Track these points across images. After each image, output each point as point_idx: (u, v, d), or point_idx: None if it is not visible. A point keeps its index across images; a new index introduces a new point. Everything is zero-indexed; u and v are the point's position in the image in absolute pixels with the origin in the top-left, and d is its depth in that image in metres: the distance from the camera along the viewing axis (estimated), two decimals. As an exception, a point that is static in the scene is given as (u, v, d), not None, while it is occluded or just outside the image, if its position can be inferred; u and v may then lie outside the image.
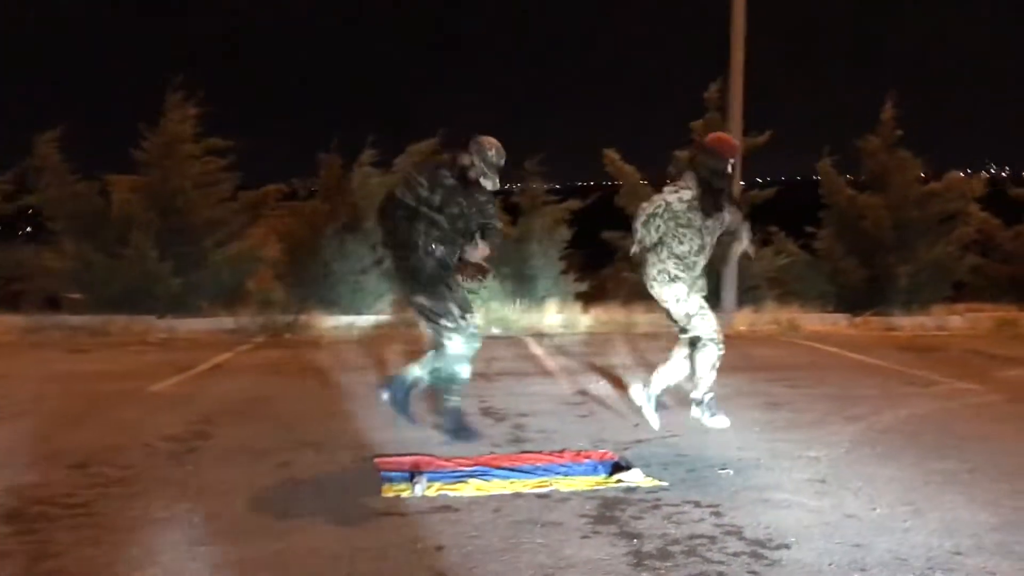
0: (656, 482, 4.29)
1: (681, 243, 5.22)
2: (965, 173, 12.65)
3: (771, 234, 12.92)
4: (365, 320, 11.23)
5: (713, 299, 11.88)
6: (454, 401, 5.28)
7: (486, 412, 6.05)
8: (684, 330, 5.33)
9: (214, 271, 11.93)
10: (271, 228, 12.47)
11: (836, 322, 11.58)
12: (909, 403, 6.35)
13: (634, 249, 5.40)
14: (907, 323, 11.49)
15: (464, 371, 5.25)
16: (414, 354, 8.95)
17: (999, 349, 9.43)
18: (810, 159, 12.99)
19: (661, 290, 5.28)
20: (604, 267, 13.68)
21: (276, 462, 4.69)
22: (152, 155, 11.80)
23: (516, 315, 11.46)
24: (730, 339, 10.63)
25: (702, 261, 5.29)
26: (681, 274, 5.22)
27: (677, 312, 5.29)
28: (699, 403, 5.37)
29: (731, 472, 4.49)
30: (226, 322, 11.19)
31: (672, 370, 5.44)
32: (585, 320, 11.51)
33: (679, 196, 5.23)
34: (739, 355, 9.13)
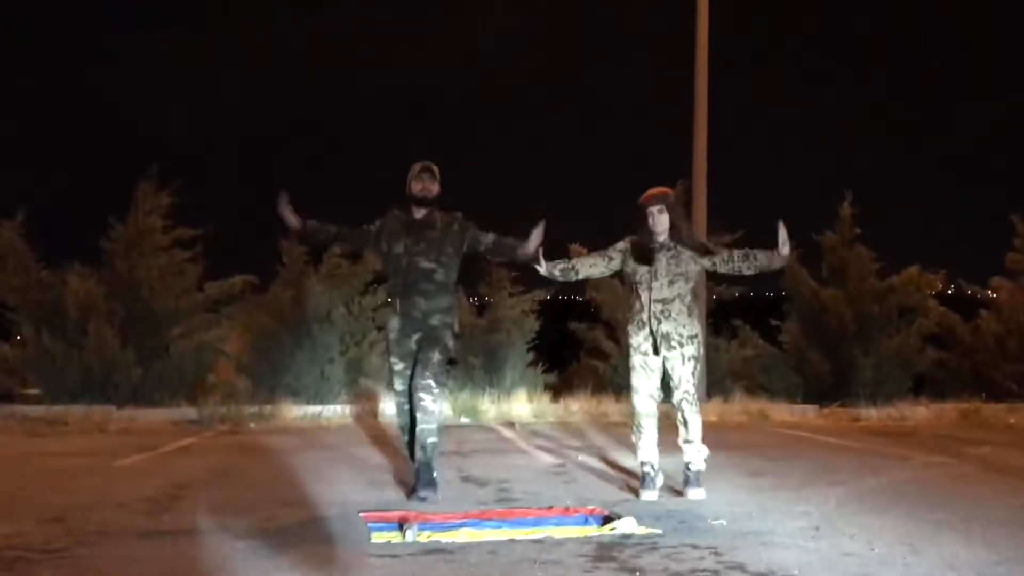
0: (650, 530, 4.22)
1: (629, 309, 5.32)
2: (920, 270, 12.94)
3: (736, 328, 13.10)
4: (332, 410, 11.05)
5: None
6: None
7: (466, 479, 5.94)
8: None
9: (177, 361, 11.72)
10: (236, 319, 12.35)
11: (804, 413, 11.64)
12: (888, 472, 6.36)
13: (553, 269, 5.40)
14: (873, 414, 11.57)
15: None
16: (384, 440, 8.89)
17: (967, 434, 9.51)
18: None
19: None
20: (570, 361, 13.71)
21: (258, 516, 4.55)
22: (119, 245, 11.73)
23: (485, 405, 11.37)
24: (703, 427, 10.65)
25: (644, 317, 5.17)
26: (629, 340, 5.28)
27: None
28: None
29: (724, 522, 4.44)
30: (188, 412, 10.93)
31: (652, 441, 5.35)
32: (555, 409, 11.44)
33: (614, 247, 5.38)
34: (712, 439, 9.02)
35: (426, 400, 5.07)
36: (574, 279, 5.52)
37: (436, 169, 5.31)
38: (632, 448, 5.51)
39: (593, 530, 4.25)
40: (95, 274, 11.73)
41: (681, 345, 5.17)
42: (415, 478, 5.12)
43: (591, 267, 5.45)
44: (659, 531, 4.20)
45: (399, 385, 5.30)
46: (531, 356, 12.48)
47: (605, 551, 3.80)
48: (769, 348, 12.78)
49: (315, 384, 11.61)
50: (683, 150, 12.76)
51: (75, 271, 11.71)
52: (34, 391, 11.88)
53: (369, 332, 11.80)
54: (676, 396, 5.25)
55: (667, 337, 5.17)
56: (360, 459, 6.96)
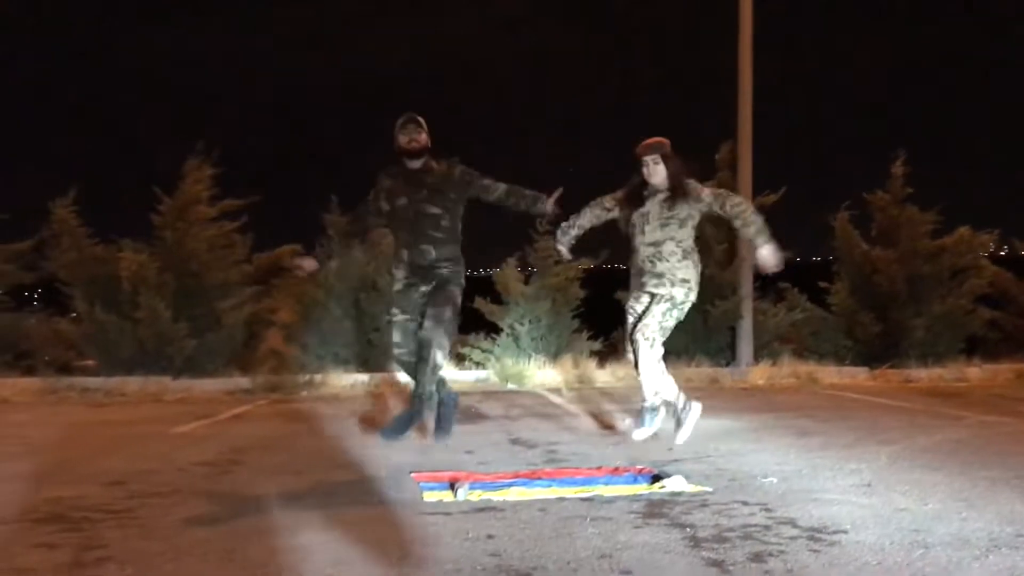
0: (700, 488, 4.24)
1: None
2: (972, 230, 12.65)
3: (783, 290, 12.97)
4: (380, 378, 11.17)
5: (728, 354, 11.95)
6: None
7: (515, 442, 5.99)
8: None
9: (229, 332, 11.91)
10: (286, 289, 12.50)
11: (855, 375, 11.52)
12: (941, 431, 6.29)
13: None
14: (925, 375, 11.43)
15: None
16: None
17: (1023, 394, 9.37)
18: (820, 215, 13.12)
19: None
20: (616, 328, 13.68)
21: (313, 478, 4.65)
22: (167, 218, 11.91)
23: (531, 371, 11.43)
24: (750, 391, 10.61)
25: (638, 261, 5.34)
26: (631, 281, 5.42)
27: None
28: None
29: (774, 480, 4.43)
30: (242, 382, 11.14)
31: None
32: (602, 375, 11.47)
33: (612, 195, 5.52)
34: (761, 401, 9.10)
35: (438, 356, 5.16)
36: (579, 234, 5.61)
37: (421, 119, 5.33)
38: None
39: (643, 488, 4.27)
40: (146, 247, 11.94)
41: (671, 284, 5.21)
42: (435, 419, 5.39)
43: (592, 217, 5.56)
44: (709, 489, 4.21)
45: (398, 336, 5.34)
46: (576, 323, 12.49)
47: (655, 508, 3.82)
48: (817, 311, 12.63)
49: (363, 352, 11.75)
50: (727, 107, 12.61)
51: (127, 245, 11.94)
52: (89, 362, 12.14)
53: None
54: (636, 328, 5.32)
55: (660, 276, 5.22)
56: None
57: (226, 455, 5.48)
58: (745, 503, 3.89)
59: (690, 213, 5.31)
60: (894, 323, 12.07)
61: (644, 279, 5.31)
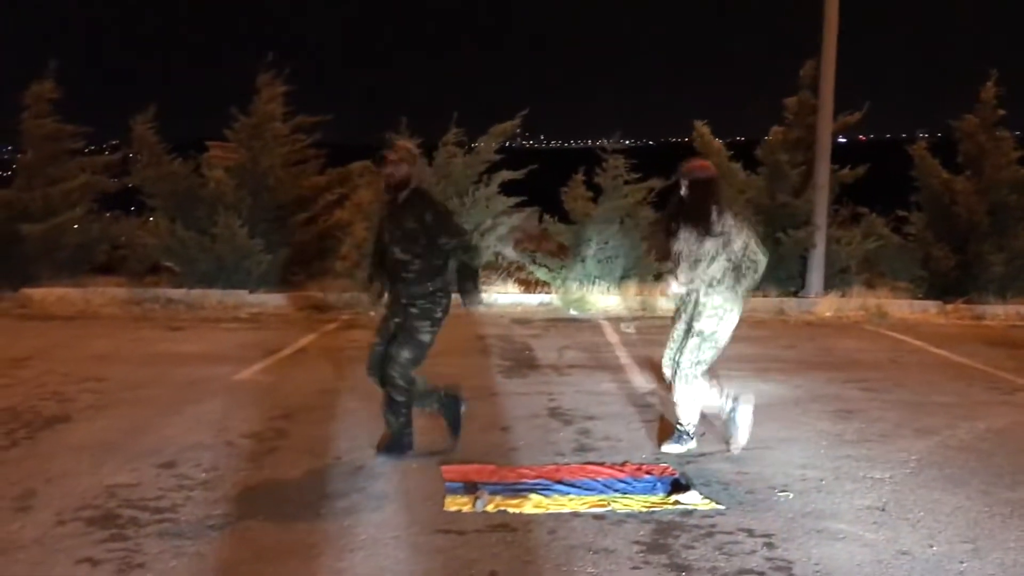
0: (713, 504, 4.34)
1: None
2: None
3: (861, 215, 12.65)
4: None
5: (798, 282, 11.80)
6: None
7: (553, 413, 6.17)
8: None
9: (303, 247, 12.29)
10: (357, 206, 12.74)
11: (926, 309, 11.30)
12: (988, 413, 6.23)
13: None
14: (1000, 312, 11.14)
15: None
16: (489, 329, 9.10)
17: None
18: (905, 127, 12.64)
19: None
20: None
21: (348, 467, 4.91)
22: (243, 136, 12.17)
23: (595, 297, 11.54)
24: (814, 327, 10.54)
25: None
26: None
27: None
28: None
29: (791, 495, 4.51)
30: (314, 298, 11.56)
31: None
32: (664, 302, 11.50)
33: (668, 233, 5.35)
34: (819, 348, 9.06)
35: (393, 392, 5.05)
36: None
37: (406, 149, 5.09)
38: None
39: (658, 500, 4.39)
40: (223, 163, 12.27)
41: (700, 316, 5.16)
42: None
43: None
44: (721, 507, 4.31)
45: (369, 362, 5.16)
46: (644, 246, 12.45)
47: (660, 536, 3.94)
48: (894, 238, 12.31)
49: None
50: (813, 29, 12.08)
51: (205, 161, 12.29)
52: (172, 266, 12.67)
53: (483, 221, 11.97)
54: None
55: (696, 304, 5.19)
56: (468, 353, 7.18)
57: (275, 423, 5.80)
58: (751, 533, 3.99)
59: (718, 252, 5.10)
60: (973, 256, 11.71)
61: (684, 302, 5.27)
